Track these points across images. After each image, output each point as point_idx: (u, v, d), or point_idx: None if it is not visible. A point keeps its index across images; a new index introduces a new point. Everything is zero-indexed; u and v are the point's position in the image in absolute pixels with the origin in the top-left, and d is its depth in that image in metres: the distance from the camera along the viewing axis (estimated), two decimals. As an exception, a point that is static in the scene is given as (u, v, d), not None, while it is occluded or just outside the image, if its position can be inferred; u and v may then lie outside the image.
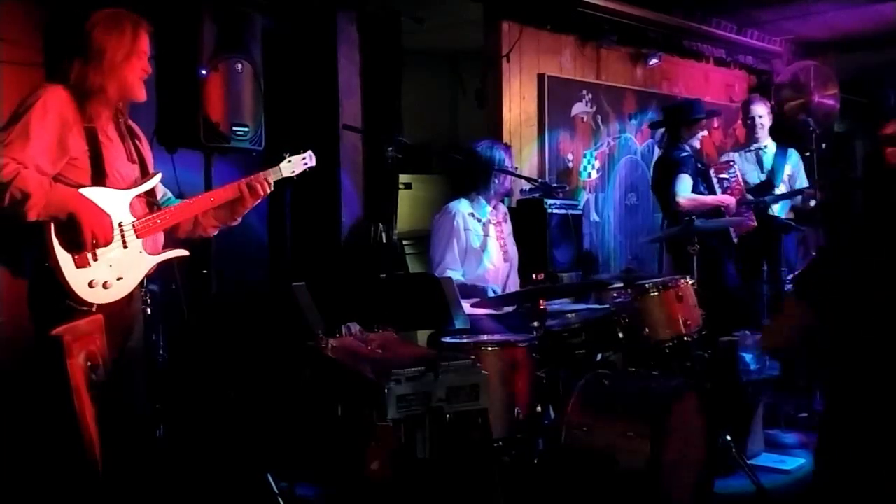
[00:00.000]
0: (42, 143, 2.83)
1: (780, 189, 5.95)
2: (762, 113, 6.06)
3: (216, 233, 3.41)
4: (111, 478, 2.58)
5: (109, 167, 2.98)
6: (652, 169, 6.36)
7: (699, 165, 5.70)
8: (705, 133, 5.92)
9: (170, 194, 3.36)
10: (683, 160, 5.51)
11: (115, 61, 2.98)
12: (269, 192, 3.32)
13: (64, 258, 2.83)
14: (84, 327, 2.65)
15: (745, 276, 5.82)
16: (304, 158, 3.46)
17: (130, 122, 3.21)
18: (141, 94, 3.12)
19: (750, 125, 6.12)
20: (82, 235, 2.82)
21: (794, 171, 6.04)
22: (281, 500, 3.59)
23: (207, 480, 3.62)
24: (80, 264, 2.85)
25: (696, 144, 5.71)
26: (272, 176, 3.35)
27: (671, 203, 5.46)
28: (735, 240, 5.67)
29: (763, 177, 6.00)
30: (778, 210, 5.92)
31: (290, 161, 3.41)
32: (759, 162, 6.03)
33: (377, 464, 2.87)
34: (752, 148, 6.09)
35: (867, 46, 7.43)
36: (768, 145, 6.07)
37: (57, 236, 2.82)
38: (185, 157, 3.92)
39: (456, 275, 4.37)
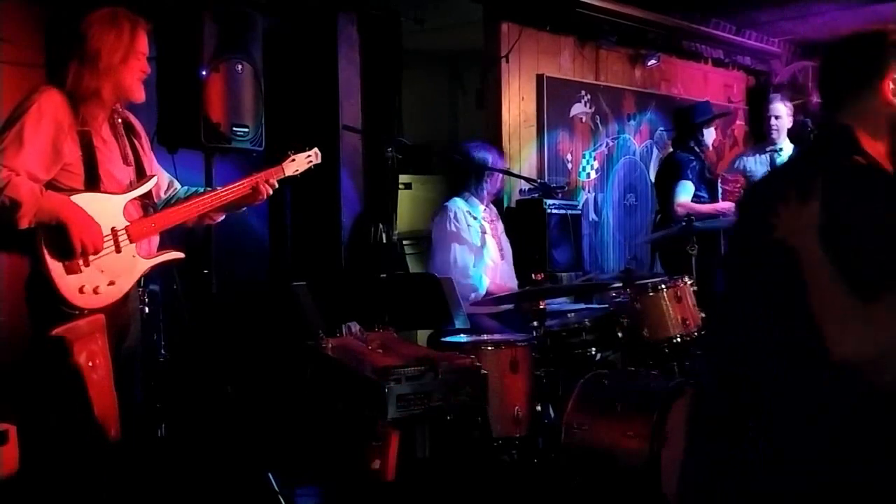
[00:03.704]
0: (35, 150, 2.78)
1: None
2: (780, 114, 5.75)
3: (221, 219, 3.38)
4: (112, 478, 2.58)
5: (103, 171, 2.93)
6: (658, 163, 6.36)
7: (707, 174, 5.59)
8: (712, 133, 5.76)
9: (177, 185, 3.33)
10: (686, 164, 5.43)
11: (111, 63, 2.90)
12: (272, 192, 3.29)
13: (54, 264, 2.79)
14: (85, 327, 2.65)
15: None
16: (310, 156, 3.44)
17: (130, 117, 3.15)
18: (139, 95, 3.05)
19: (766, 125, 5.84)
20: (72, 244, 2.78)
21: None
22: (281, 500, 3.59)
23: (208, 480, 3.62)
24: (71, 270, 2.81)
25: (709, 142, 5.65)
26: (275, 177, 3.31)
27: (669, 206, 5.46)
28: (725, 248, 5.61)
29: None
30: None
31: (294, 160, 3.39)
32: (773, 164, 5.68)
33: (378, 463, 2.88)
34: (766, 150, 5.82)
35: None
36: (784, 147, 5.75)
37: (47, 243, 2.78)
38: (185, 157, 3.92)
39: (477, 272, 4.44)
